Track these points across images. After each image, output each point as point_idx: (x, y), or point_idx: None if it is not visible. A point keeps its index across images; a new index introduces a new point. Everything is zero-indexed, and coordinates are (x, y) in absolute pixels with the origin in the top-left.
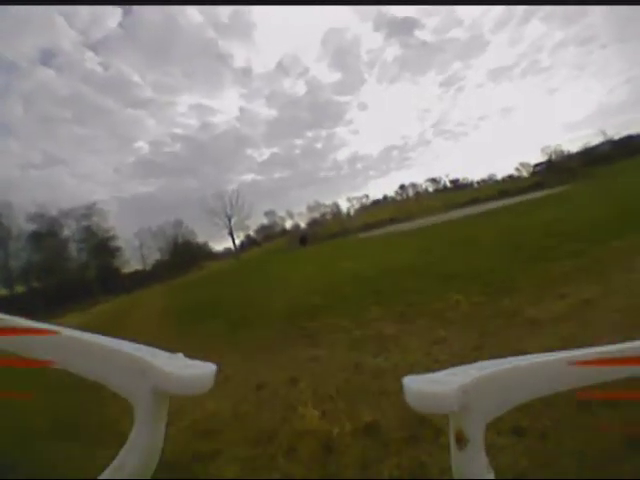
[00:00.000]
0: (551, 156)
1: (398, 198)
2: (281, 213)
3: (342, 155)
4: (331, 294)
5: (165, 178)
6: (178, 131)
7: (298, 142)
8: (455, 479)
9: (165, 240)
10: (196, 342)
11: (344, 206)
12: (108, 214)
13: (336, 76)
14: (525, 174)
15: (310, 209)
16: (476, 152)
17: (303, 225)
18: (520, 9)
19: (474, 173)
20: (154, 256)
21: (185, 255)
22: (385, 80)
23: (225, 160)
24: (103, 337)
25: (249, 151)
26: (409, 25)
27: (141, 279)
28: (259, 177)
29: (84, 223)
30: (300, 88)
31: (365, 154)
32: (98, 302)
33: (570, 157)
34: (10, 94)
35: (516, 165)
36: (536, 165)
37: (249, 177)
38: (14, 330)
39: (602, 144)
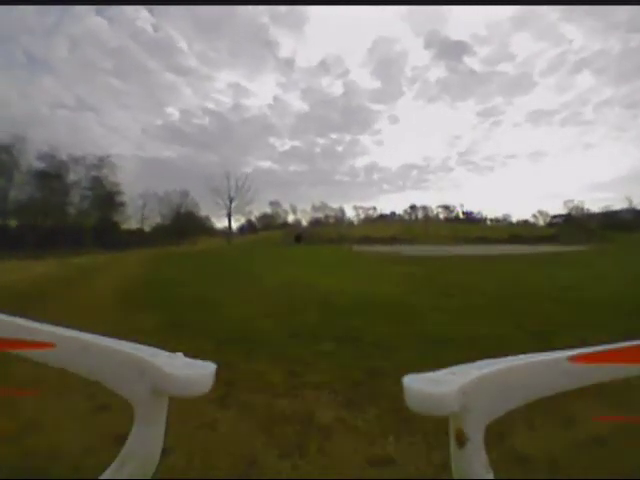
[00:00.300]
0: (572, 211)
1: (406, 217)
2: (286, 206)
3: (360, 163)
4: (281, 323)
5: (188, 148)
6: (211, 106)
7: (321, 141)
8: (455, 479)
9: (169, 207)
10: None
11: (350, 213)
12: (119, 168)
13: (375, 84)
14: (541, 223)
15: (315, 208)
16: (496, 189)
17: (305, 223)
18: (575, 57)
19: (489, 210)
20: (156, 219)
21: (185, 225)
22: (423, 98)
23: (248, 143)
24: (102, 337)
25: (272, 139)
26: (460, 50)
27: (136, 239)
28: (275, 166)
29: (93, 173)
30: (337, 89)
31: (384, 166)
32: (82, 253)
33: (590, 217)
34: (58, 35)
35: (534, 212)
36: (554, 216)
37: (266, 164)
38: (10, 344)
39: (625, 211)
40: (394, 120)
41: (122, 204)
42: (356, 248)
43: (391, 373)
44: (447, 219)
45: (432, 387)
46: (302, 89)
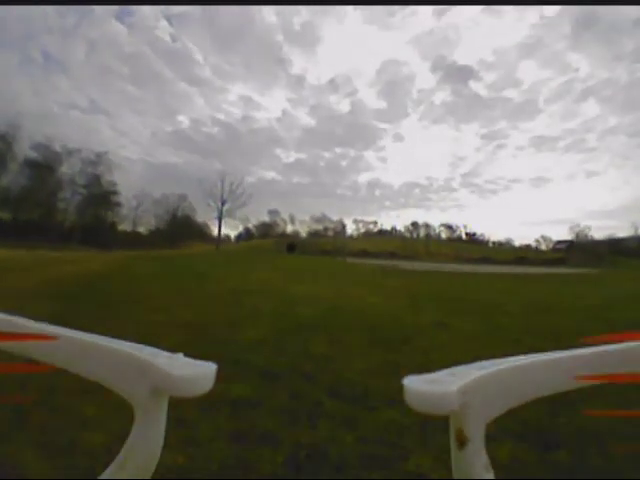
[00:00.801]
0: (577, 236)
1: (407, 234)
2: (285, 216)
3: (363, 178)
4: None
5: (195, 155)
6: (221, 116)
7: (326, 155)
8: (455, 479)
9: (166, 209)
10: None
11: (350, 227)
12: (120, 168)
13: (381, 104)
14: (544, 247)
15: (314, 220)
16: (499, 213)
17: (303, 233)
18: (581, 86)
19: (491, 232)
20: (151, 221)
21: (180, 229)
22: (427, 119)
23: (254, 153)
24: (102, 337)
25: (278, 151)
26: (466, 74)
27: (130, 241)
28: (279, 177)
29: (90, 169)
30: (344, 106)
31: (386, 183)
32: (61, 249)
33: (597, 243)
34: (76, 37)
35: (537, 237)
36: (559, 242)
37: (270, 174)
38: (13, 336)
39: (630, 238)
40: (398, 138)
41: (118, 204)
42: (350, 260)
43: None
44: (449, 239)
45: (432, 387)
46: (311, 105)
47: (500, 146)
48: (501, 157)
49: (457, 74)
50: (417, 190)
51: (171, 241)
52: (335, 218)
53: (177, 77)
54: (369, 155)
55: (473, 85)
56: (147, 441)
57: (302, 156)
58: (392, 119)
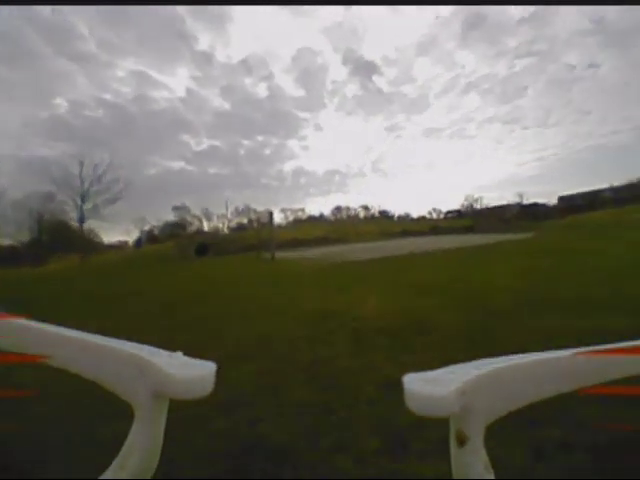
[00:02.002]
0: (472, 205)
1: (332, 218)
2: (198, 211)
3: (289, 167)
4: None
5: (75, 144)
6: (107, 97)
7: (245, 142)
8: (455, 479)
9: (29, 214)
10: None
11: (278, 217)
12: None
13: (300, 92)
14: (435, 217)
15: (237, 213)
16: (401, 192)
17: (225, 230)
18: (465, 81)
19: (395, 209)
20: (9, 230)
21: (51, 238)
22: (342, 111)
23: (153, 140)
24: (102, 337)
25: (186, 137)
26: (370, 70)
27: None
28: (190, 167)
29: None
30: (261, 91)
31: (311, 171)
32: None
33: (504, 208)
34: None
35: (429, 209)
36: (448, 212)
37: (177, 165)
38: (7, 357)
39: (513, 205)
40: (318, 128)
41: None
42: (280, 255)
43: None
44: (366, 217)
45: (432, 388)
46: (222, 86)
47: (399, 137)
48: (400, 146)
49: (364, 68)
50: (337, 177)
51: (35, 255)
52: (261, 209)
53: (55, 53)
54: (293, 144)
55: (377, 80)
56: (147, 441)
57: (217, 143)
58: (311, 109)
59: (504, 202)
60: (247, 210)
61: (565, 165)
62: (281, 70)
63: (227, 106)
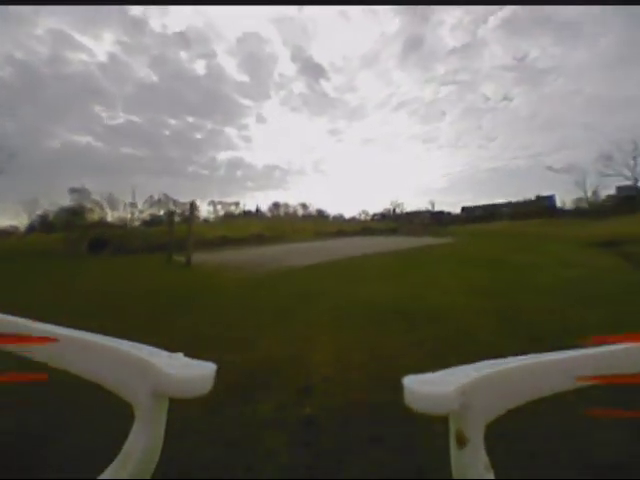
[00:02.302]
0: (395, 209)
1: (269, 214)
2: (102, 197)
3: (224, 156)
4: None
5: None
6: (18, 54)
7: (172, 122)
8: (455, 479)
9: None
10: None
11: (205, 210)
12: None
13: (243, 77)
14: (363, 218)
15: (152, 203)
16: (337, 194)
17: (136, 221)
18: (398, 99)
19: (331, 209)
20: None
21: None
22: (288, 106)
23: (61, 108)
24: (102, 336)
25: (98, 108)
26: (318, 72)
27: None
28: (98, 143)
29: None
30: (199, 67)
31: (250, 163)
32: None
33: (418, 214)
34: None
35: (359, 211)
36: (374, 214)
37: (84, 139)
38: (15, 339)
39: (425, 212)
40: (262, 119)
41: None
42: (200, 258)
43: None
44: (304, 216)
45: (432, 387)
46: (153, 56)
47: (339, 141)
48: (340, 150)
49: (312, 69)
50: (278, 172)
51: None
52: (184, 199)
53: None
54: (231, 132)
55: (323, 84)
56: (147, 441)
57: (135, 119)
58: (255, 97)
59: (417, 208)
60: (166, 200)
61: (469, 181)
62: (224, 51)
63: (155, 78)
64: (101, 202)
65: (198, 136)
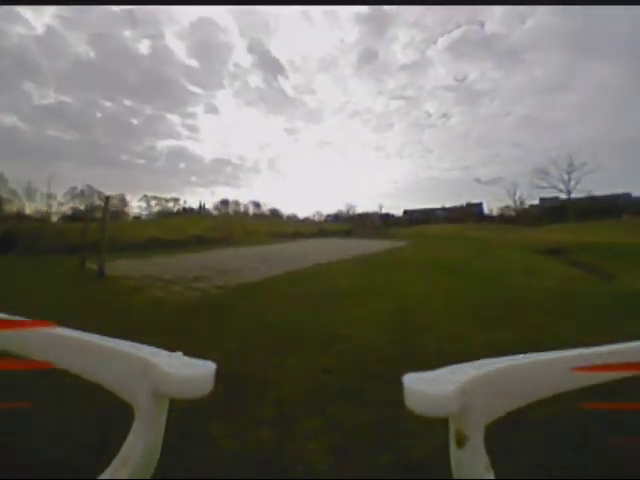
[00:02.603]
0: (347, 211)
1: (215, 212)
2: (17, 186)
3: (164, 145)
4: None
5: None
6: None
7: (107, 104)
8: (455, 479)
9: None
10: None
11: (136, 206)
12: None
13: (193, 63)
14: (317, 219)
15: (74, 194)
16: (292, 193)
17: (54, 216)
18: (353, 107)
19: (284, 208)
20: None
21: None
22: (242, 99)
23: None
24: (102, 336)
25: (29, 86)
26: (276, 68)
27: None
28: (23, 125)
29: None
30: (143, 47)
31: (196, 156)
32: None
33: (368, 215)
34: None
35: (313, 212)
36: (328, 215)
37: (9, 120)
38: (12, 323)
39: (373, 214)
40: (212, 109)
41: None
42: (121, 266)
43: None
44: (256, 215)
45: (431, 387)
46: (93, 32)
47: (297, 140)
48: (297, 149)
49: (270, 64)
50: (229, 168)
51: None
52: (112, 192)
53: None
54: (174, 119)
55: (282, 81)
56: (147, 441)
57: (67, 99)
58: (206, 85)
59: (367, 210)
60: (90, 192)
61: (411, 187)
62: (174, 33)
63: (92, 55)
64: (17, 191)
65: (135, 121)
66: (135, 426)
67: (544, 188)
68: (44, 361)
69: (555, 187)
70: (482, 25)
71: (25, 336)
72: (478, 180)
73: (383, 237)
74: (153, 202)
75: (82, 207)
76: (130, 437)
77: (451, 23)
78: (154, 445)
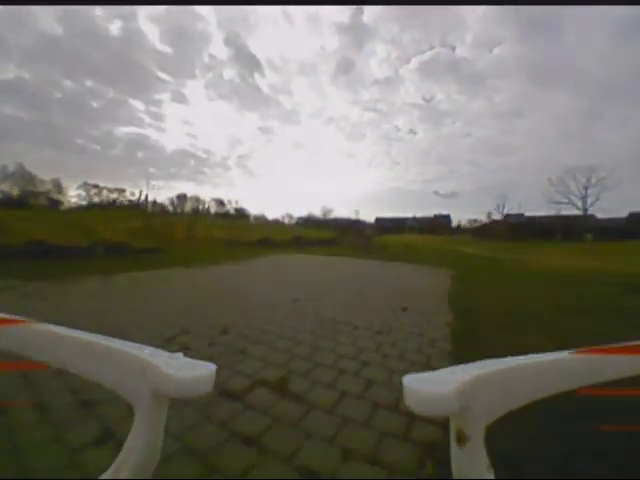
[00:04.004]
0: (325, 215)
1: (170, 208)
2: None
3: (123, 132)
4: None
5: None
6: None
7: (67, 83)
8: (455, 479)
9: None
10: None
11: (75, 194)
12: None
13: (165, 48)
14: (287, 222)
15: (4, 175)
16: (261, 193)
17: None
18: (329, 114)
19: (254, 209)
20: None
21: None
22: (215, 91)
23: None
24: (102, 337)
25: None
26: (253, 64)
27: None
28: None
29: None
30: (113, 28)
31: (156, 146)
32: None
33: (345, 220)
34: None
35: (283, 214)
36: (299, 218)
37: None
38: (6, 321)
39: (346, 219)
40: (180, 99)
41: None
42: None
43: None
44: (218, 214)
45: (432, 387)
46: (62, 8)
47: (269, 140)
48: (270, 149)
49: (246, 59)
50: (193, 161)
51: None
52: (47, 177)
53: None
54: (136, 105)
55: (257, 78)
56: (147, 441)
57: (26, 75)
58: (175, 73)
59: (339, 215)
60: (22, 173)
61: (379, 196)
62: (148, 16)
63: (59, 31)
64: None
65: (94, 104)
66: (135, 426)
67: (560, 203)
68: (44, 361)
69: (571, 203)
70: (453, 49)
71: (25, 336)
72: (436, 193)
73: (376, 251)
74: (92, 191)
75: (12, 191)
76: (130, 437)
77: (425, 44)
78: (154, 445)
